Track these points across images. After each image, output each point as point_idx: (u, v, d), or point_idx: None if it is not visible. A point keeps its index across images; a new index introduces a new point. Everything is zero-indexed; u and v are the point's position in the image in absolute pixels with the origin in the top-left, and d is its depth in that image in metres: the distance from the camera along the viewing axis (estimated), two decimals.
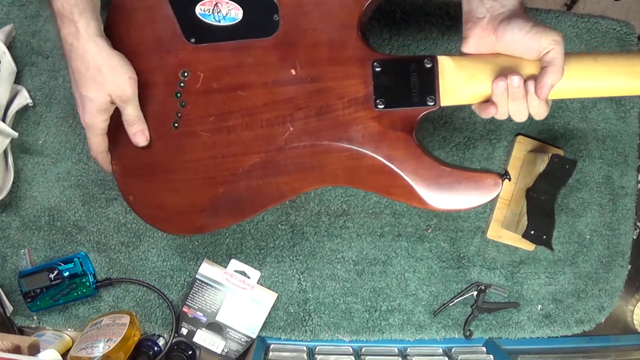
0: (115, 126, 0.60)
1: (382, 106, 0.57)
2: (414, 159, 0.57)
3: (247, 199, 0.60)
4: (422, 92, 0.56)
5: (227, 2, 0.57)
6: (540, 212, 0.74)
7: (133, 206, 0.63)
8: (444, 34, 0.77)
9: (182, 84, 0.59)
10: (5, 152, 0.72)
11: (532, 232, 0.73)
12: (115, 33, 0.59)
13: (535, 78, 0.52)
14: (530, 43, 0.51)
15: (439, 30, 0.77)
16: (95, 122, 0.58)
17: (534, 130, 0.80)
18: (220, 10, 0.57)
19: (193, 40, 0.58)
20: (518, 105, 0.54)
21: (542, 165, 0.74)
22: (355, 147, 0.57)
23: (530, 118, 0.56)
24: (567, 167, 0.73)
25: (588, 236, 0.82)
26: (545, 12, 0.79)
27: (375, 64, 0.56)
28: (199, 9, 0.57)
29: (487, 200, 0.57)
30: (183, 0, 0.58)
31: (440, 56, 0.56)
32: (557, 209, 0.79)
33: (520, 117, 0.55)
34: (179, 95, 0.60)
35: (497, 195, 0.57)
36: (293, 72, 0.57)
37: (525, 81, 0.53)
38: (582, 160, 0.81)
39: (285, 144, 0.58)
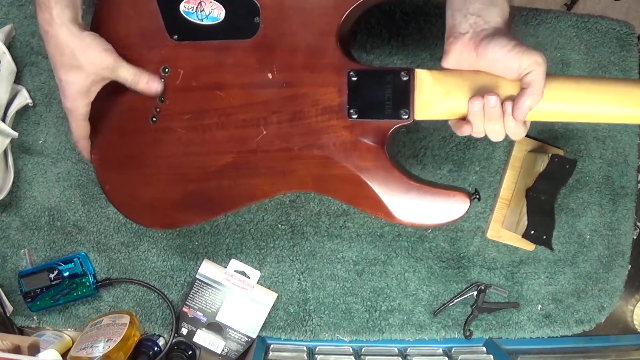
0: (96, 115, 0.60)
1: (355, 116, 0.56)
2: (383, 171, 0.57)
3: (218, 198, 0.61)
4: (396, 105, 0.55)
5: (211, 2, 0.57)
6: (540, 212, 0.74)
7: (108, 195, 0.64)
8: (444, 33, 0.77)
9: (162, 80, 0.60)
10: (5, 152, 0.72)
11: (532, 232, 0.73)
12: (102, 25, 0.60)
13: (513, 99, 0.51)
14: (510, 62, 0.50)
15: (438, 30, 0.77)
16: (77, 107, 0.58)
17: (534, 130, 0.80)
18: (203, 9, 0.57)
19: (176, 37, 0.59)
20: (494, 125, 0.53)
21: (542, 165, 0.74)
22: (326, 155, 0.57)
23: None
24: (567, 167, 0.73)
25: (588, 236, 0.82)
26: (545, 12, 0.79)
27: (351, 73, 0.56)
28: (183, 7, 0.58)
29: (454, 218, 0.57)
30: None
31: (418, 70, 0.55)
32: (557, 209, 0.79)
33: (496, 137, 0.54)
34: None
35: (466, 213, 0.57)
36: (270, 75, 0.58)
37: (502, 101, 0.51)
38: (582, 160, 0.81)
39: (257, 146, 0.59)
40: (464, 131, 0.54)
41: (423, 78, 0.55)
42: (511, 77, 0.52)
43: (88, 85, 0.57)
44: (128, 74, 0.58)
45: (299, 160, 0.58)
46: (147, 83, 0.59)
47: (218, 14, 0.58)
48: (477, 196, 0.58)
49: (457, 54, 0.53)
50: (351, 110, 0.56)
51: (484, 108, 0.52)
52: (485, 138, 0.54)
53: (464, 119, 0.55)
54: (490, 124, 0.53)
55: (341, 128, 0.57)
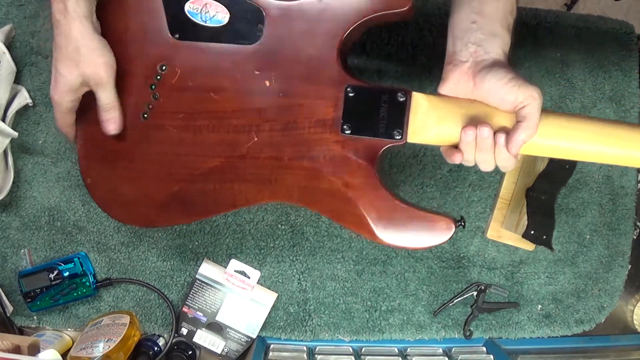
0: (87, 105, 0.60)
1: (348, 132, 0.56)
2: (371, 189, 0.57)
3: (201, 201, 0.61)
4: (390, 125, 0.55)
5: (217, 4, 0.57)
6: (540, 212, 0.74)
7: (89, 188, 0.63)
8: (444, 34, 0.77)
9: (158, 77, 0.60)
10: (5, 152, 0.72)
11: (532, 232, 0.73)
12: (104, 17, 0.59)
13: (505, 131, 0.51)
14: (506, 95, 0.50)
15: (438, 31, 0.77)
16: (63, 101, 0.58)
17: None
18: (208, 11, 0.57)
19: (177, 36, 0.59)
20: (485, 155, 0.53)
21: (542, 165, 0.74)
22: (316, 168, 0.57)
23: None
24: (567, 167, 0.73)
25: (588, 236, 0.82)
26: (545, 12, 0.79)
27: (348, 89, 0.56)
28: (188, 7, 0.58)
29: (437, 243, 0.56)
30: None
31: (415, 93, 0.55)
32: (557, 209, 0.79)
33: (486, 167, 0.54)
34: (153, 87, 0.60)
35: (449, 239, 0.57)
36: (267, 83, 0.58)
37: (495, 133, 0.51)
38: None
39: (247, 152, 0.59)
40: (455, 159, 0.54)
41: (419, 101, 0.55)
42: (506, 109, 0.52)
43: (78, 85, 0.56)
44: (107, 99, 0.57)
45: (287, 170, 0.58)
46: (109, 121, 0.58)
47: (222, 17, 0.57)
48: (462, 224, 0.58)
49: (454, 82, 0.53)
50: (345, 126, 0.56)
51: (476, 138, 0.52)
52: None
53: (455, 146, 0.55)
54: (482, 154, 0.53)
55: (333, 142, 0.57)
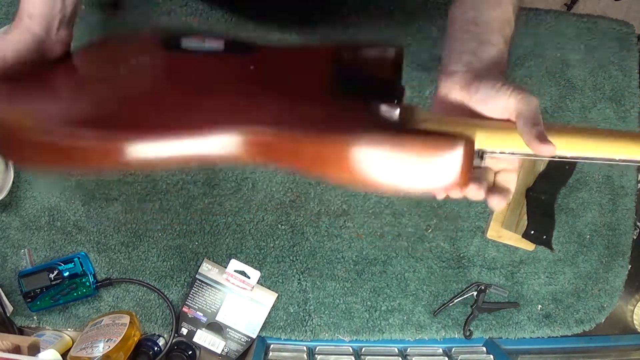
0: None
1: (340, 90, 0.51)
2: (362, 113, 0.47)
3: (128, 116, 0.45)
4: (383, 93, 0.51)
5: (213, 39, 0.57)
6: (540, 212, 0.74)
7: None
8: (444, 34, 0.77)
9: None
10: None
11: (532, 232, 0.73)
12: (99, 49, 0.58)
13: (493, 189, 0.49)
14: (499, 101, 0.48)
15: (438, 30, 0.77)
16: None
17: None
18: (204, 44, 0.57)
19: (166, 49, 0.58)
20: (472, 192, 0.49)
21: (542, 165, 0.74)
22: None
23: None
24: (567, 167, 0.73)
25: (588, 236, 0.82)
26: (545, 12, 0.79)
27: (339, 66, 0.54)
28: (185, 43, 0.57)
29: (438, 169, 0.40)
30: (173, 39, 0.58)
31: (409, 104, 0.52)
32: (557, 209, 0.79)
33: (475, 198, 0.51)
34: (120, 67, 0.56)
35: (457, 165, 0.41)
36: (252, 67, 0.55)
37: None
38: None
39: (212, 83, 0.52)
40: (439, 193, 0.52)
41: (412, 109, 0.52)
42: (499, 116, 0.50)
43: None
44: None
45: (263, 97, 0.49)
46: None
47: (217, 46, 0.57)
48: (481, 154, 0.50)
49: (447, 92, 0.52)
50: (337, 82, 0.52)
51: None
52: None
53: None
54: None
55: (322, 95, 0.51)
